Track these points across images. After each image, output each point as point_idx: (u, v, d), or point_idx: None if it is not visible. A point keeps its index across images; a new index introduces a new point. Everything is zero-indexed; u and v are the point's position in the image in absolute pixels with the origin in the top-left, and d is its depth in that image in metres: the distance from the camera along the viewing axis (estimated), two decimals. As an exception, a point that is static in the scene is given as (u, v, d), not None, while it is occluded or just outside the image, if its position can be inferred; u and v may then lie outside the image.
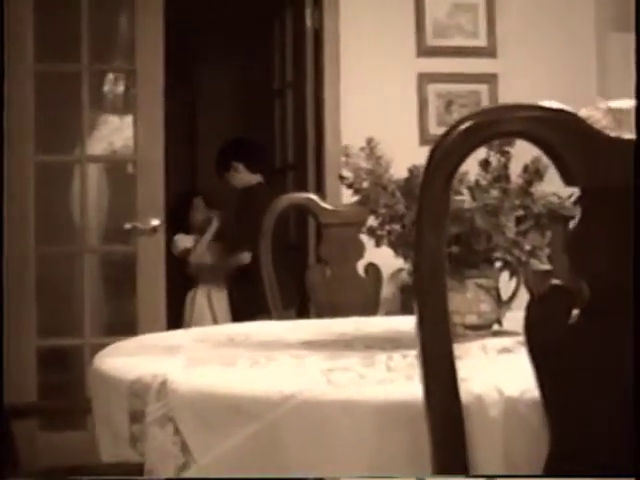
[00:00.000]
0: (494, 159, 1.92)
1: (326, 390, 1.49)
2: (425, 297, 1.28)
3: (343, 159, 2.14)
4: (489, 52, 4.55)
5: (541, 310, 1.27)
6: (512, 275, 2.06)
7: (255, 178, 5.27)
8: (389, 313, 3.63)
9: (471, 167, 1.96)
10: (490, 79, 4.52)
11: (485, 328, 2.04)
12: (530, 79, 4.46)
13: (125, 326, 4.47)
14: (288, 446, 1.45)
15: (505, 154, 1.92)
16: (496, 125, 1.31)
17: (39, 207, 4.60)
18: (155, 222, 4.48)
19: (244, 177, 5.31)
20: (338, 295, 2.95)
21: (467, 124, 1.29)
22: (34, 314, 4.53)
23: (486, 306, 2.02)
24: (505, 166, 1.90)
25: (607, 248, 1.25)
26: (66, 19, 4.70)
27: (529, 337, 1.26)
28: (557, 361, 1.26)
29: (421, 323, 1.28)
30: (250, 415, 1.47)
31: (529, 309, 1.27)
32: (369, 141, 2.12)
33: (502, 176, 1.92)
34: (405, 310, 3.11)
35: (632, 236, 1.24)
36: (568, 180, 1.28)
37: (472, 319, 2.04)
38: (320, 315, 2.86)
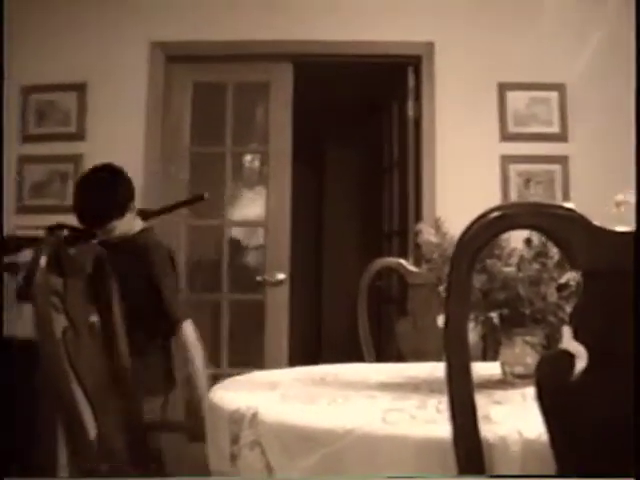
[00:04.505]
0: (535, 238, 1.95)
1: (380, 427, 1.53)
2: (452, 356, 1.33)
3: (416, 236, 2.20)
4: (561, 137, 4.53)
5: (549, 368, 1.31)
6: (554, 333, 2.06)
7: None
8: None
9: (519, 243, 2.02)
10: (562, 160, 4.49)
11: (530, 377, 2.05)
12: (597, 160, 4.43)
13: (254, 361, 4.56)
14: (348, 470, 1.50)
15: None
16: (515, 218, 1.34)
17: (190, 261, 4.77)
18: (281, 276, 4.58)
19: None
20: (421, 343, 2.98)
21: (493, 215, 1.32)
22: (182, 348, 4.68)
23: (531, 359, 2.00)
24: (544, 244, 1.93)
25: (602, 319, 1.27)
26: (214, 109, 4.88)
27: (539, 390, 1.29)
28: (561, 409, 1.29)
29: (449, 376, 1.33)
30: (320, 444, 1.52)
31: (539, 367, 1.31)
32: (436, 220, 2.18)
33: (542, 252, 1.94)
34: (485, 357, 3.11)
35: (629, 310, 1.26)
36: (573, 265, 1.32)
37: (519, 370, 2.05)
38: (404, 360, 2.89)
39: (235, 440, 1.70)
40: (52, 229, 3.25)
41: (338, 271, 7.28)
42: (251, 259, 4.99)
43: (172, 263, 3.35)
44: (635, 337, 1.27)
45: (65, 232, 3.22)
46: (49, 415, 3.85)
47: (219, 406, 1.84)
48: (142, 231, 3.38)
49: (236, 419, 1.70)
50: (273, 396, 1.91)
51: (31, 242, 3.02)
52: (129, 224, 3.29)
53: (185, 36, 4.68)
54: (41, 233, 3.28)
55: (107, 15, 4.73)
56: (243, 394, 1.93)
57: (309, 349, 6.52)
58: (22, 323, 4.38)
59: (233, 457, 1.72)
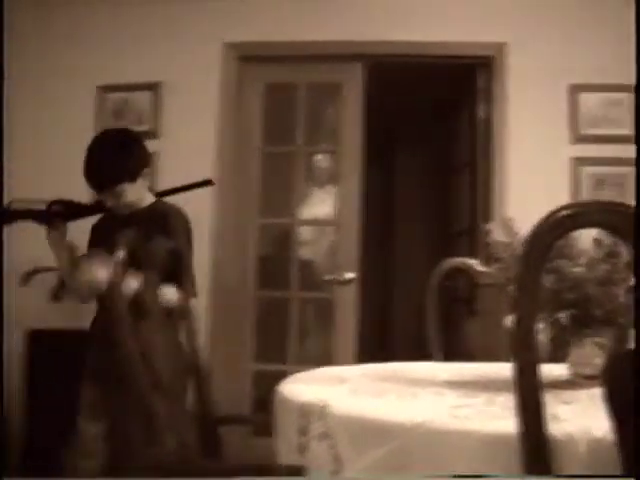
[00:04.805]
0: (605, 238, 1.94)
1: (448, 421, 1.56)
2: (520, 355, 1.35)
3: (487, 235, 2.20)
4: (633, 139, 4.46)
5: (617, 369, 1.31)
6: (623, 334, 2.05)
7: None
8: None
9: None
10: (634, 163, 4.42)
11: (598, 378, 2.05)
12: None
13: (322, 357, 4.57)
14: (416, 463, 1.53)
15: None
16: (586, 216, 1.35)
17: (260, 259, 4.83)
18: (350, 275, 4.60)
19: None
20: (489, 343, 2.98)
21: (564, 213, 1.34)
22: (252, 344, 4.75)
23: (600, 360, 1.99)
24: (614, 244, 1.92)
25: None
26: (285, 109, 4.93)
27: (607, 390, 1.29)
28: (628, 409, 1.27)
29: (517, 374, 1.35)
30: (389, 436, 1.55)
31: (608, 368, 1.32)
32: (507, 220, 2.18)
33: (612, 252, 1.94)
34: (553, 358, 3.09)
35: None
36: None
37: (588, 370, 2.04)
38: (472, 359, 2.89)
39: (304, 432, 1.74)
40: (52, 204, 3.10)
41: (407, 270, 7.29)
42: (320, 258, 5.02)
43: (190, 234, 3.20)
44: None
45: (61, 208, 3.10)
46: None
47: (289, 399, 1.88)
48: (157, 201, 3.26)
49: (306, 411, 1.74)
50: (342, 390, 1.95)
51: (28, 215, 3.10)
52: (139, 193, 3.13)
53: (258, 37, 4.73)
54: (38, 206, 3.13)
55: (181, 16, 4.81)
56: (313, 387, 1.97)
57: (376, 347, 6.54)
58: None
59: (302, 449, 1.76)
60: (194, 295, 3.00)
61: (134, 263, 2.67)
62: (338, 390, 1.93)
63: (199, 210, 4.56)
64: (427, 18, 4.66)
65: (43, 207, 3.09)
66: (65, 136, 4.76)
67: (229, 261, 4.65)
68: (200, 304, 2.66)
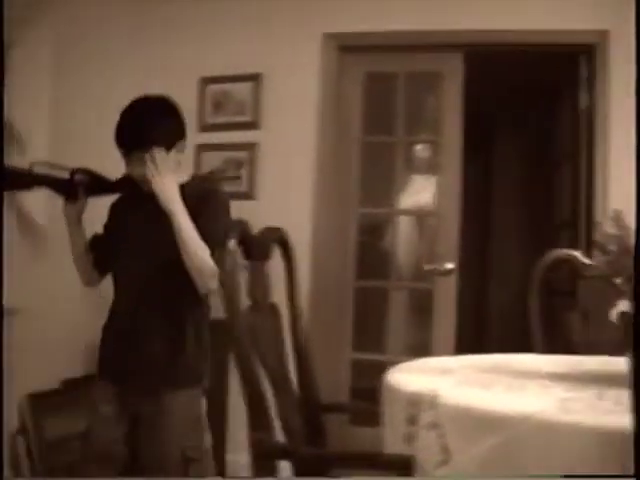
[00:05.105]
0: None
1: (559, 414, 1.56)
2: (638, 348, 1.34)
3: (596, 228, 2.17)
4: None
5: None
6: None
7: None
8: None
9: None
10: None
11: None
12: None
13: (421, 348, 4.59)
14: (525, 456, 1.53)
15: None
16: None
17: (360, 249, 4.86)
18: (450, 265, 4.59)
19: None
20: (593, 336, 2.94)
21: None
22: (350, 334, 4.78)
23: None
24: None
25: None
26: (385, 99, 4.94)
27: None
28: None
29: (634, 370, 1.34)
30: (498, 428, 1.56)
31: None
32: (618, 212, 2.15)
33: None
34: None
35: None
36: None
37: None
38: (574, 352, 2.86)
39: (412, 421, 1.76)
40: (74, 172, 2.76)
41: (505, 260, 7.23)
42: (420, 248, 5.02)
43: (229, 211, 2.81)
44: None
45: (85, 178, 2.79)
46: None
47: (396, 388, 1.90)
48: (193, 179, 2.92)
49: (415, 401, 1.76)
50: (449, 381, 1.96)
51: (47, 181, 2.77)
52: (170, 167, 2.71)
53: (357, 27, 4.75)
54: (59, 174, 2.78)
55: (281, 7, 4.86)
56: (420, 377, 1.98)
57: (474, 338, 6.51)
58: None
59: (409, 438, 1.78)
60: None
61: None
62: (445, 381, 1.95)
63: (300, 199, 4.65)
64: (528, 5, 4.60)
65: (65, 175, 2.77)
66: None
67: (329, 251, 4.69)
68: (301, 293, 2.66)
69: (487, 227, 7.44)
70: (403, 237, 5.00)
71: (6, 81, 3.94)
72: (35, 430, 3.93)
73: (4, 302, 3.49)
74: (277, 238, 2.56)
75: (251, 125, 4.81)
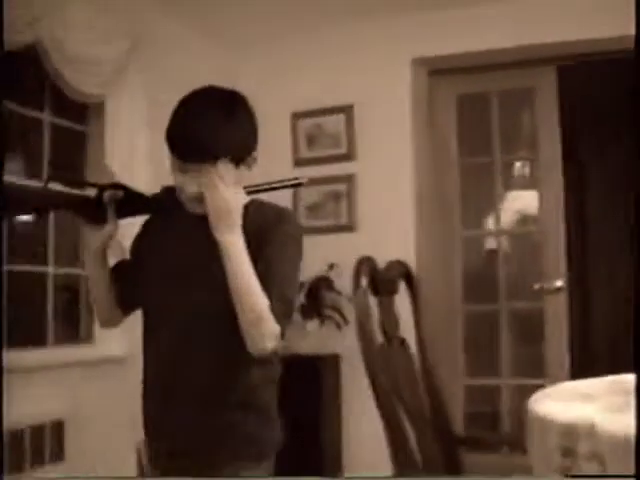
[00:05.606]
0: None
1: None
2: None
3: None
4: None
5: None
6: None
7: None
8: None
9: None
10: None
11: None
12: None
13: (534, 369, 4.50)
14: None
15: None
16: None
17: (465, 271, 4.81)
18: (559, 283, 4.51)
19: None
20: None
21: None
22: (462, 359, 4.73)
23: None
24: None
25: None
26: (479, 119, 4.91)
27: None
28: None
29: None
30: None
31: None
32: None
33: None
34: None
35: None
36: None
37: None
38: None
39: (567, 452, 1.71)
40: (104, 188, 2.03)
41: (605, 275, 7.06)
42: (525, 267, 4.95)
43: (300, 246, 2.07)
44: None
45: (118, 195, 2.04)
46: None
47: (545, 417, 1.85)
48: (254, 201, 2.05)
49: (569, 430, 1.71)
50: (595, 407, 1.90)
51: (64, 201, 2.06)
52: (234, 184, 1.94)
53: (445, 50, 4.73)
54: (77, 192, 2.05)
55: (367, 36, 4.87)
56: (568, 405, 1.93)
57: (585, 356, 6.35)
58: (307, 340, 4.61)
59: (564, 469, 1.72)
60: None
61: None
62: (593, 407, 1.89)
63: (401, 227, 4.63)
64: (622, 12, 4.51)
65: (91, 193, 2.07)
66: (263, 164, 4.89)
67: (434, 276, 4.66)
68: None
69: (584, 241, 7.28)
70: (508, 257, 4.94)
71: (105, 131, 4.07)
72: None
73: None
74: (402, 273, 2.54)
75: (346, 157, 4.82)
